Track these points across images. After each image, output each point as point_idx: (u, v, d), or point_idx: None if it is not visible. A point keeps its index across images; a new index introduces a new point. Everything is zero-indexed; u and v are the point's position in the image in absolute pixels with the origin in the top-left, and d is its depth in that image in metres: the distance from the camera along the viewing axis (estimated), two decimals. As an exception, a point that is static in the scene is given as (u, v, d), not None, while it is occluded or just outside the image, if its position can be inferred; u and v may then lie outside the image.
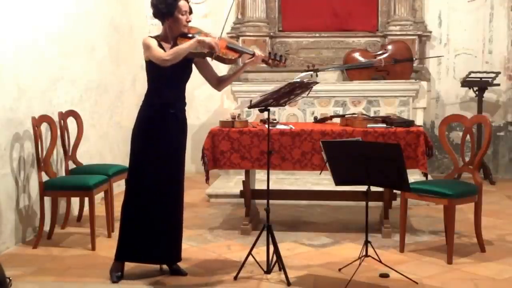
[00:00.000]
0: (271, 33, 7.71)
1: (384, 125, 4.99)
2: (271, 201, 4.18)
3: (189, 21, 3.98)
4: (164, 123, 3.97)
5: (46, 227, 4.92)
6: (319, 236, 5.08)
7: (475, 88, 7.26)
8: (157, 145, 3.97)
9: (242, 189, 5.22)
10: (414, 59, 7.30)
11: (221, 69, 4.09)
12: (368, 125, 4.98)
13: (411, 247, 4.74)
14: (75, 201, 5.54)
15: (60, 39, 5.53)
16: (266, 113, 4.10)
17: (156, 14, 3.97)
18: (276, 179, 6.47)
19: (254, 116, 6.85)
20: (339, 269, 4.19)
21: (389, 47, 7.26)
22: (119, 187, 6.16)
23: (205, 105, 7.87)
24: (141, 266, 4.17)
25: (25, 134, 4.93)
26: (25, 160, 4.95)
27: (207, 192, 6.48)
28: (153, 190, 4.00)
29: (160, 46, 3.91)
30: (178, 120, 4.04)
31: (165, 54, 3.82)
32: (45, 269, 4.27)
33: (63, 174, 5.37)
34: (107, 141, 6.64)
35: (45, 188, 4.76)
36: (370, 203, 4.11)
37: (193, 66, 4.12)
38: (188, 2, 3.97)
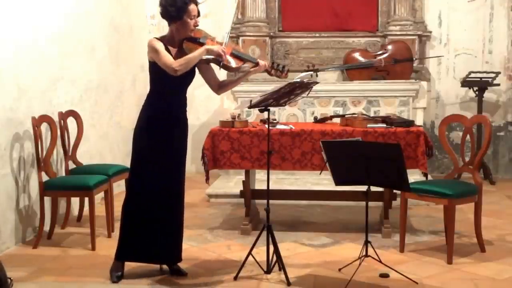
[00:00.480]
0: (271, 33, 7.71)
1: (384, 125, 4.99)
2: (271, 201, 4.18)
3: (197, 25, 3.98)
4: (166, 124, 3.98)
5: (46, 227, 4.92)
6: (319, 236, 5.08)
7: (475, 88, 7.26)
8: (159, 146, 3.98)
9: (242, 189, 5.22)
10: (414, 59, 7.30)
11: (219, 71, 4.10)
12: (368, 125, 4.98)
13: (411, 247, 4.74)
14: (75, 201, 5.54)
15: (60, 39, 5.53)
16: (266, 113, 4.10)
17: (164, 15, 3.95)
18: (276, 179, 6.47)
19: (254, 116, 6.85)
20: (339, 269, 4.19)
21: (389, 47, 7.26)
22: (119, 187, 6.17)
23: (205, 105, 7.87)
24: (141, 266, 4.17)
25: (25, 134, 4.93)
26: (25, 160, 4.95)
27: (207, 192, 6.48)
28: (153, 190, 4.00)
29: (167, 49, 3.91)
30: (179, 121, 4.05)
31: (175, 63, 3.79)
32: (45, 269, 4.27)
33: (63, 174, 5.37)
34: (107, 141, 6.64)
35: (45, 188, 4.76)
36: (370, 203, 4.11)
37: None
38: (197, 6, 3.96)
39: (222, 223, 5.55)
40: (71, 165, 5.38)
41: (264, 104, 4.05)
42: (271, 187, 4.21)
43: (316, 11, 7.74)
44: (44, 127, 5.04)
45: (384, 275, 4.07)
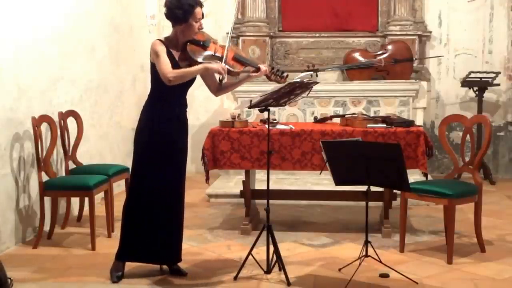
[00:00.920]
0: (271, 33, 7.71)
1: (384, 125, 4.99)
2: (271, 201, 4.18)
3: (202, 28, 3.98)
4: (167, 125, 3.98)
5: (46, 227, 4.92)
6: (319, 236, 5.08)
7: (475, 88, 7.26)
8: (159, 147, 3.98)
9: (242, 189, 5.22)
10: (414, 59, 7.31)
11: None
12: (368, 125, 4.98)
13: (411, 247, 4.74)
14: (75, 201, 5.54)
15: (60, 39, 5.53)
16: (266, 113, 4.11)
17: (169, 17, 3.94)
18: (276, 179, 6.47)
19: (254, 116, 6.85)
20: (339, 269, 4.19)
21: (389, 47, 7.26)
22: (119, 187, 6.17)
23: (205, 105, 7.87)
24: (141, 266, 4.17)
25: (25, 134, 4.93)
26: (25, 160, 4.95)
27: (207, 192, 6.48)
28: (154, 190, 4.00)
29: (169, 53, 3.91)
30: (179, 121, 4.06)
31: (171, 73, 3.79)
32: (45, 269, 4.27)
33: (63, 174, 5.37)
34: (107, 141, 6.64)
35: (45, 188, 4.76)
36: (370, 203, 4.11)
37: None
38: (202, 8, 3.96)
39: (222, 223, 5.55)
40: (71, 165, 5.38)
41: (264, 104, 4.05)
42: (271, 187, 4.21)
43: (316, 11, 7.74)
44: (44, 127, 5.04)
45: (384, 275, 4.07)
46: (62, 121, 5.29)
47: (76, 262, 4.42)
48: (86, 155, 5.87)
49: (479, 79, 7.23)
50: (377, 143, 4.54)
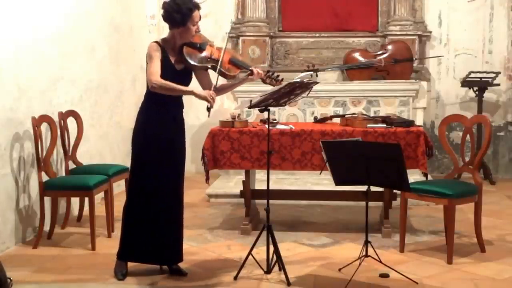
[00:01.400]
0: (271, 33, 7.71)
1: (384, 125, 4.99)
2: (271, 201, 4.18)
3: (199, 30, 3.99)
4: (163, 125, 3.99)
5: (46, 227, 4.92)
6: (319, 236, 5.08)
7: (475, 88, 7.26)
8: (157, 147, 3.99)
9: (242, 189, 5.22)
10: (414, 59, 7.30)
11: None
12: (368, 125, 4.98)
13: (411, 247, 4.74)
14: (75, 201, 5.54)
15: (60, 39, 5.53)
16: (266, 113, 4.11)
17: (167, 20, 3.94)
18: (276, 179, 6.47)
19: (254, 116, 6.86)
20: (339, 269, 4.19)
21: (389, 47, 7.26)
22: (119, 187, 6.17)
23: (205, 105, 7.80)
24: (141, 266, 4.17)
25: (25, 134, 4.93)
26: (25, 160, 4.95)
27: (207, 192, 6.48)
28: (153, 191, 4.01)
29: (166, 55, 3.91)
30: (176, 122, 4.07)
31: (156, 81, 3.81)
32: (45, 269, 4.27)
33: (63, 174, 5.37)
34: (107, 141, 6.64)
35: (45, 188, 4.76)
36: (370, 203, 4.11)
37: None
38: (199, 11, 3.96)
39: (222, 223, 5.55)
40: (71, 165, 5.38)
41: (264, 104, 4.05)
42: (271, 187, 4.21)
43: (316, 11, 7.74)
44: (44, 127, 5.04)
45: (384, 275, 4.07)
46: (62, 121, 5.29)
47: (76, 262, 4.42)
48: (86, 155, 5.87)
49: (479, 79, 7.23)
50: (377, 143, 4.54)
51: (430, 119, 7.74)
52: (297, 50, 7.78)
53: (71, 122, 5.45)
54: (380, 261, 4.07)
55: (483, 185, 4.80)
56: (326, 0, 7.74)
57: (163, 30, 7.27)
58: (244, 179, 5.18)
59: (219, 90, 4.20)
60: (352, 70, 7.21)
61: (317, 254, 4.63)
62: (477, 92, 7.23)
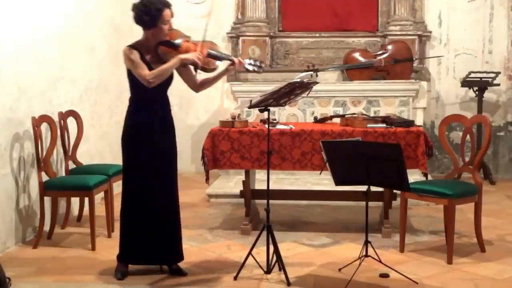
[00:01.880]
0: (271, 33, 7.71)
1: (384, 125, 4.99)
2: (271, 201, 4.18)
3: (171, 28, 3.98)
4: (150, 127, 3.99)
5: (46, 227, 4.92)
6: (319, 236, 5.08)
7: (475, 88, 7.25)
8: (146, 149, 3.99)
9: (242, 189, 5.22)
10: (414, 59, 7.30)
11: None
12: (368, 125, 4.98)
13: (411, 247, 4.74)
14: (75, 201, 5.54)
15: (60, 39, 5.53)
16: (266, 113, 4.11)
17: (138, 22, 3.96)
18: (276, 179, 6.47)
19: (254, 116, 6.85)
20: (339, 269, 4.19)
21: (389, 47, 7.26)
22: (119, 187, 6.12)
23: (204, 105, 7.87)
24: (141, 266, 4.16)
25: (25, 134, 4.93)
26: (25, 160, 4.95)
27: (207, 192, 6.48)
28: (146, 192, 4.02)
29: (142, 57, 3.92)
30: (166, 121, 4.07)
31: (149, 75, 3.83)
32: (45, 269, 4.27)
33: (63, 174, 5.37)
34: (107, 141, 6.64)
35: (45, 188, 4.76)
36: (370, 203, 4.11)
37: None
38: (170, 8, 3.94)
39: (222, 223, 5.54)
40: (71, 165, 5.38)
41: (264, 104, 4.05)
42: (271, 187, 4.21)
43: (316, 11, 7.74)
44: (44, 127, 5.04)
45: (384, 275, 4.07)
46: (62, 121, 5.29)
47: (76, 262, 4.42)
48: (86, 155, 5.87)
49: (479, 79, 7.23)
50: (377, 143, 4.54)
51: (430, 119, 7.74)
52: (297, 50, 7.78)
53: (71, 122, 5.45)
54: (380, 261, 4.07)
55: (483, 185, 4.80)
56: (326, 0, 7.74)
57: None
58: (244, 179, 5.18)
59: (204, 84, 4.21)
60: (352, 70, 7.20)
61: (317, 254, 4.63)
62: (477, 92, 7.23)
